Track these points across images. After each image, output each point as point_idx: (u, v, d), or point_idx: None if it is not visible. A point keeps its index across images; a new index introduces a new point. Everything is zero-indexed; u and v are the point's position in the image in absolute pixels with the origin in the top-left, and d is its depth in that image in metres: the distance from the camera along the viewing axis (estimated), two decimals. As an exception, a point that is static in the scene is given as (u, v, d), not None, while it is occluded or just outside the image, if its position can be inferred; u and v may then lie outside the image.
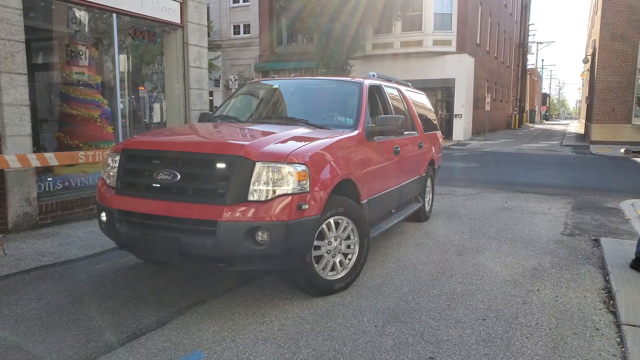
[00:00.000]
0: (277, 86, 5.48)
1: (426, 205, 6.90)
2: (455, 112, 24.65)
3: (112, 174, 3.92)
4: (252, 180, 3.42)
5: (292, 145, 3.73)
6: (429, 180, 7.01)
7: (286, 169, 3.47)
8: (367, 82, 5.15)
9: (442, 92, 25.42)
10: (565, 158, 17.30)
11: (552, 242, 5.76)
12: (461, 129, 24.70)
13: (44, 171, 6.17)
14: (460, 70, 24.05)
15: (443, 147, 8.32)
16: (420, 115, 6.78)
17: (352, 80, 5.18)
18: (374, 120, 4.82)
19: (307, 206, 3.51)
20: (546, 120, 78.30)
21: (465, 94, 24.47)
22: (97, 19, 6.85)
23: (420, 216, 6.71)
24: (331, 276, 4.00)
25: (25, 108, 5.47)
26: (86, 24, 6.95)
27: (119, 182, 3.79)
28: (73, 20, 6.90)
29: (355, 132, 4.49)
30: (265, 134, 4.08)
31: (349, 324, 3.47)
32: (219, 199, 3.41)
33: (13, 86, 5.33)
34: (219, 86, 28.35)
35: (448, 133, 24.77)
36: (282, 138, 3.88)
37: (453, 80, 24.17)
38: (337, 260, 4.04)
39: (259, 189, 3.43)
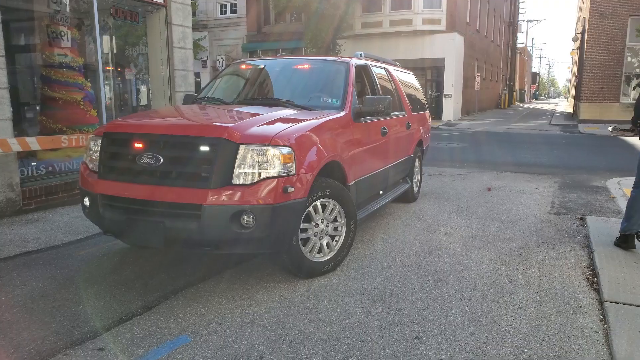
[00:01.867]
0: (262, 66, 5.40)
1: (414, 186, 6.91)
2: (444, 92, 24.61)
3: (94, 158, 3.86)
4: (237, 163, 3.38)
5: (277, 127, 3.68)
6: (417, 161, 7.00)
7: (271, 151, 3.43)
8: (354, 62, 5.09)
9: (431, 71, 25.33)
10: (553, 137, 17.41)
11: (538, 221, 5.81)
12: (451, 108, 24.70)
13: (27, 156, 6.08)
14: (449, 49, 23.93)
15: (432, 127, 8.33)
16: (409, 96, 6.74)
17: (339, 59, 5.12)
18: (362, 100, 4.77)
19: (292, 189, 3.48)
20: (536, 99, 78.46)
21: (454, 73, 24.39)
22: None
23: (408, 197, 6.72)
24: (318, 258, 4.00)
25: (4, 91, 5.35)
26: (67, 3, 6.77)
27: (102, 166, 3.74)
28: (53, 0, 6.73)
29: (342, 113, 4.44)
30: (249, 115, 4.02)
31: (336, 305, 3.48)
32: (203, 183, 3.37)
33: (-10, 69, 5.21)
34: (206, 67, 28.00)
35: (437, 113, 24.76)
36: (267, 120, 3.83)
37: (443, 59, 24.08)
38: (324, 242, 4.03)
39: (243, 172, 3.39)
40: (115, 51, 7.94)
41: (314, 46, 22.28)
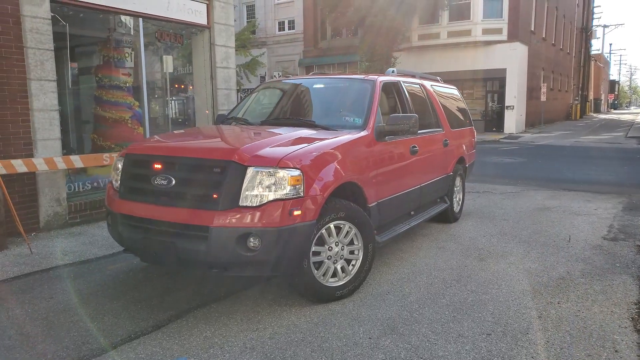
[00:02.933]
0: (290, 86, 5.41)
1: (455, 205, 6.63)
2: (506, 104, 23.68)
3: (117, 178, 3.99)
4: (244, 185, 3.37)
5: (288, 148, 3.64)
6: (458, 179, 6.72)
7: (279, 173, 3.40)
8: (381, 80, 4.97)
9: (492, 83, 24.48)
10: (627, 152, 16.18)
11: (589, 248, 5.36)
12: (513, 121, 23.70)
13: (75, 172, 6.42)
14: (511, 59, 23.05)
15: (492, 140, 7.99)
16: (448, 111, 6.51)
17: (365, 77, 5.02)
18: (387, 119, 4.64)
19: (300, 211, 3.42)
20: (614, 109, 73.78)
21: (517, 84, 23.43)
22: (126, 24, 7.01)
23: (447, 217, 6.45)
24: (332, 283, 3.89)
25: (54, 113, 5.70)
26: (115, 29, 7.14)
27: (122, 186, 3.86)
28: (104, 26, 7.11)
29: (363, 133, 4.33)
30: (265, 137, 4.01)
31: (343, 334, 3.35)
32: (211, 205, 3.38)
33: (43, 92, 5.56)
34: (265, 82, 28.60)
35: (499, 126, 23.89)
36: (280, 141, 3.81)
37: (504, 70, 23.22)
38: (339, 266, 3.92)
39: (251, 194, 3.37)
40: (167, 71, 8.28)
41: (368, 60, 22.21)
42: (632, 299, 3.96)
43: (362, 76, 5.07)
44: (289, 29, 29.77)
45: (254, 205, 3.36)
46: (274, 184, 3.38)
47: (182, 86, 8.58)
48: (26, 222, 5.52)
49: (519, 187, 9.49)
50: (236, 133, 4.42)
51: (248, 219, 3.32)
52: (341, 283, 3.93)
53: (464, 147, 6.91)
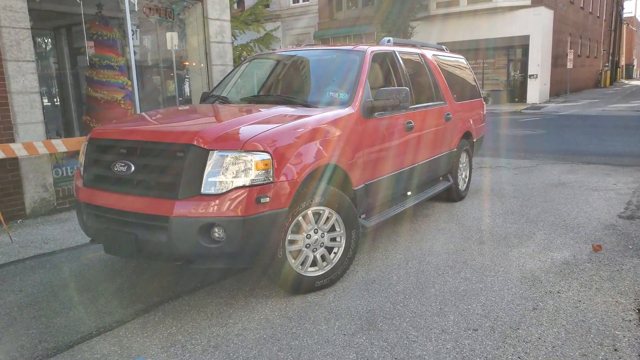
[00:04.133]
0: (276, 60, 5.07)
1: (460, 183, 6.25)
2: (529, 73, 22.71)
3: (82, 163, 3.76)
4: (207, 171, 3.09)
5: (256, 129, 3.33)
6: (463, 155, 6.33)
7: (244, 157, 3.10)
8: (372, 50, 4.58)
9: (514, 51, 23.47)
10: (656, 120, 15.34)
11: (601, 227, 4.95)
12: (536, 90, 22.75)
13: (69, 156, 6.26)
14: (535, 25, 21.98)
15: (514, 111, 7.53)
16: (453, 83, 6.07)
17: (354, 48, 4.62)
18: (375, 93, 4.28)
19: (268, 199, 3.13)
20: (647, 75, 70.58)
21: (541, 51, 22.39)
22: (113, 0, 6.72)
23: (452, 196, 6.10)
24: (312, 272, 3.61)
25: (35, 95, 5.49)
26: (104, 5, 6.85)
27: (85, 173, 3.63)
28: (91, 2, 6.83)
29: (347, 109, 3.99)
30: (235, 116, 3.72)
31: (316, 330, 3.09)
32: (171, 193, 3.12)
33: (21, 74, 5.35)
34: (281, 57, 28.07)
35: (521, 96, 23.02)
36: (250, 121, 3.51)
37: (527, 37, 22.19)
38: (319, 255, 3.64)
39: (213, 181, 3.09)
40: (159, 47, 7.99)
41: (385, 30, 21.47)
42: (643, 286, 3.59)
43: (350, 47, 4.68)
44: (304, 0, 29.00)
45: (217, 193, 3.08)
46: (239, 169, 3.09)
47: (178, 63, 8.28)
48: (11, 209, 5.39)
49: (535, 161, 9.00)
50: (205, 113, 4.12)
51: (210, 208, 3.05)
52: (322, 272, 3.65)
53: (471, 121, 6.49)
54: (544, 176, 7.58)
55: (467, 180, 6.51)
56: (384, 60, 4.85)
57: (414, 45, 5.71)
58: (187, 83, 8.06)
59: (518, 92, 23.53)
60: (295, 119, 3.63)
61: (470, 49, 23.60)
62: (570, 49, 26.95)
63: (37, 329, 3.22)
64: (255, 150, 3.14)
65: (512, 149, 10.37)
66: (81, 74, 7.22)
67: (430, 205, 5.99)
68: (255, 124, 3.48)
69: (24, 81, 5.37)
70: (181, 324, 3.23)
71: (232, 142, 3.15)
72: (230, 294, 3.67)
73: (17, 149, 5.03)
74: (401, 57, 5.03)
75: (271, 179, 3.17)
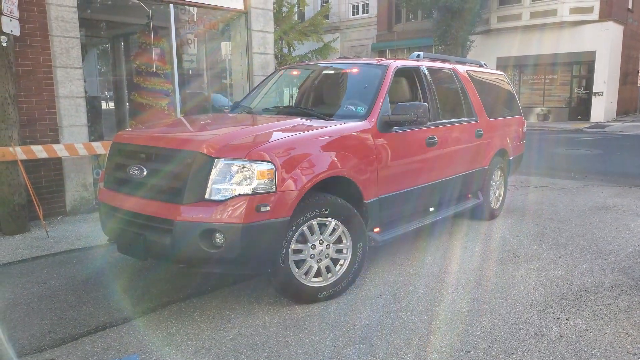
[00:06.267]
0: (303, 72, 5.16)
1: (493, 202, 6.06)
2: (594, 90, 21.61)
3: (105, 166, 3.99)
4: (211, 178, 3.20)
5: (263, 140, 3.42)
6: (498, 173, 6.14)
7: (247, 166, 3.19)
8: (396, 65, 4.57)
9: (578, 67, 22.44)
10: None
11: (634, 255, 4.66)
12: (602, 108, 21.62)
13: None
14: (602, 41, 20.96)
15: (575, 130, 7.27)
16: (487, 99, 5.92)
17: (377, 63, 4.63)
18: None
19: (268, 207, 3.19)
20: None
21: (608, 68, 21.29)
22: (161, 11, 7.08)
23: (482, 214, 5.92)
24: (315, 283, 3.63)
25: (80, 100, 5.88)
26: (152, 16, 7.24)
27: (106, 175, 3.85)
28: (141, 14, 7.24)
29: (363, 123, 4.00)
30: (247, 126, 3.83)
31: (308, 340, 3.11)
32: (177, 197, 3.26)
33: (69, 80, 5.75)
34: (337, 68, 28.31)
35: (585, 114, 21.96)
36: (260, 131, 3.61)
37: (593, 53, 21.18)
38: (324, 266, 3.66)
39: (217, 188, 3.20)
40: (205, 57, 8.32)
41: (442, 43, 21.18)
42: (664, 320, 3.35)
43: (374, 61, 4.70)
44: (363, 12, 29.18)
45: (220, 199, 3.18)
46: (242, 177, 3.19)
47: (222, 73, 8.58)
48: (53, 206, 5.77)
49: (583, 182, 8.57)
50: (223, 122, 4.26)
51: (212, 214, 3.16)
52: (325, 284, 3.66)
53: (507, 139, 6.29)
54: (588, 198, 7.20)
55: (500, 199, 6.30)
56: (410, 75, 4.81)
57: (446, 61, 5.63)
58: (228, 92, 8.32)
59: (582, 109, 22.46)
60: (307, 130, 3.69)
61: (531, 65, 22.86)
62: (641, 65, 25.44)
63: (50, 320, 3.42)
64: (260, 159, 3.22)
65: (561, 169, 9.93)
66: (127, 80, 7.63)
67: (459, 223, 5.85)
68: (264, 134, 3.56)
69: (71, 86, 5.77)
70: (182, 325, 3.34)
71: (238, 151, 3.24)
72: (236, 299, 3.75)
73: (59, 150, 5.40)
74: (429, 72, 4.97)
75: (274, 188, 3.23)
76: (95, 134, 6.89)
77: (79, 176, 5.99)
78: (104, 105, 9.59)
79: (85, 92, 6.21)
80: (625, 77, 23.84)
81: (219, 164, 3.20)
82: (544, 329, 3.19)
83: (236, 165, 3.19)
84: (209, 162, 3.21)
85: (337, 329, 3.24)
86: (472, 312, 3.46)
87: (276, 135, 3.51)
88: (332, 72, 4.88)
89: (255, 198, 3.17)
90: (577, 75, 22.67)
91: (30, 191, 5.19)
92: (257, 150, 3.26)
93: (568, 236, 5.30)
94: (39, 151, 5.20)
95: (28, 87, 5.46)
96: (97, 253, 4.81)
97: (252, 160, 3.21)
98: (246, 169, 3.19)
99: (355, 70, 4.80)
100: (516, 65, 23.27)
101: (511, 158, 6.45)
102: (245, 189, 3.18)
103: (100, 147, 5.68)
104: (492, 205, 6.06)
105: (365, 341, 3.08)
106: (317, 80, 4.96)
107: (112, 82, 9.00)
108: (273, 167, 3.23)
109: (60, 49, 5.65)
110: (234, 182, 3.18)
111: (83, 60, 6.10)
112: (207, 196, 3.19)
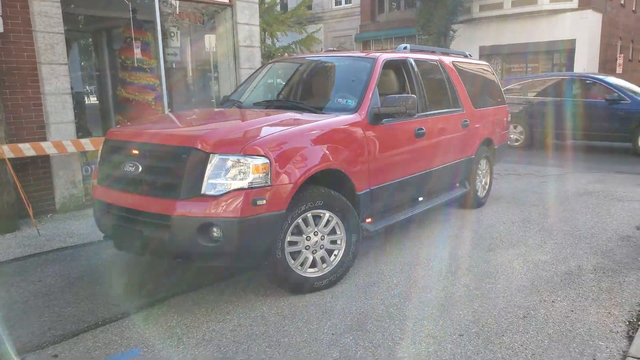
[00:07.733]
0: (292, 65, 5.20)
1: (479, 190, 6.20)
2: (574, 77, 21.91)
3: (98, 163, 4.01)
4: (207, 173, 3.25)
5: (256, 134, 3.47)
6: (483, 162, 6.27)
7: (242, 160, 3.25)
8: (384, 58, 4.64)
9: (559, 55, 22.74)
10: None
11: (616, 239, 4.83)
12: (581, 95, 21.93)
13: (94, 155, 6.59)
14: (581, 29, 21.24)
15: None
16: (473, 89, 6.03)
17: (366, 55, 4.70)
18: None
19: (264, 201, 3.26)
20: None
21: (587, 56, 21.62)
22: (146, 5, 7.02)
23: (469, 202, 6.05)
24: (311, 273, 3.71)
25: (67, 96, 5.84)
26: (137, 10, 7.18)
27: (99, 172, 3.87)
28: (124, 7, 7.17)
29: (353, 116, 4.07)
30: (239, 121, 3.87)
31: (307, 329, 3.19)
32: (174, 193, 3.30)
33: (54, 76, 5.70)
34: (320, 59, 28.24)
35: (565, 101, 22.21)
36: (253, 126, 3.65)
37: (573, 41, 21.46)
38: (319, 256, 3.74)
39: (213, 183, 3.25)
40: (190, 51, 8.29)
41: (426, 33, 21.28)
42: (639, 299, 3.51)
43: (363, 54, 4.76)
44: (346, 2, 29.11)
45: (217, 194, 3.23)
46: (238, 172, 3.24)
47: (206, 66, 8.56)
48: (42, 204, 5.74)
49: (567, 169, 8.77)
50: (215, 117, 4.31)
51: (209, 208, 3.21)
52: (321, 274, 3.75)
53: (493, 128, 6.42)
54: (570, 185, 7.39)
55: (487, 187, 6.44)
56: (398, 68, 4.89)
57: (432, 52, 5.72)
58: (217, 85, 8.31)
59: (561, 97, 22.79)
60: (299, 124, 3.75)
61: (513, 53, 23.09)
62: (620, 53, 25.86)
63: (48, 317, 3.45)
64: (254, 154, 3.28)
65: (545, 157, 10.13)
66: (113, 75, 7.58)
67: (447, 212, 5.97)
68: (257, 128, 3.62)
69: (57, 83, 5.72)
70: (182, 318, 3.40)
71: (233, 146, 3.29)
72: (234, 291, 3.81)
73: (47, 147, 5.37)
74: (416, 64, 5.05)
75: (269, 182, 3.29)
76: (81, 130, 6.83)
77: (68, 173, 5.96)
78: (86, 100, 9.49)
79: (72, 88, 6.16)
80: (605, 65, 24.22)
81: (214, 159, 3.25)
82: (532, 312, 3.33)
83: (231, 160, 3.25)
84: (204, 157, 3.26)
85: (334, 317, 3.33)
86: (463, 298, 3.58)
87: (270, 130, 3.57)
88: (322, 65, 4.93)
89: (251, 192, 3.23)
90: (557, 63, 22.97)
91: (19, 189, 5.16)
92: (252, 145, 3.31)
93: (552, 222, 5.46)
94: (27, 149, 5.17)
95: (13, 84, 5.40)
96: (90, 250, 4.82)
97: (247, 154, 3.26)
98: (241, 164, 3.24)
99: (344, 63, 4.86)
100: (498, 54, 23.50)
101: (496, 147, 6.59)
102: (241, 183, 3.23)
103: (88, 144, 5.66)
104: (478, 194, 6.19)
105: (361, 328, 3.18)
106: (306, 73, 5.01)
107: (95, 77, 8.92)
108: (268, 161, 3.29)
109: (44, 45, 5.59)
110: (230, 176, 3.24)
111: (68, 55, 6.05)
112: (203, 191, 3.24)
